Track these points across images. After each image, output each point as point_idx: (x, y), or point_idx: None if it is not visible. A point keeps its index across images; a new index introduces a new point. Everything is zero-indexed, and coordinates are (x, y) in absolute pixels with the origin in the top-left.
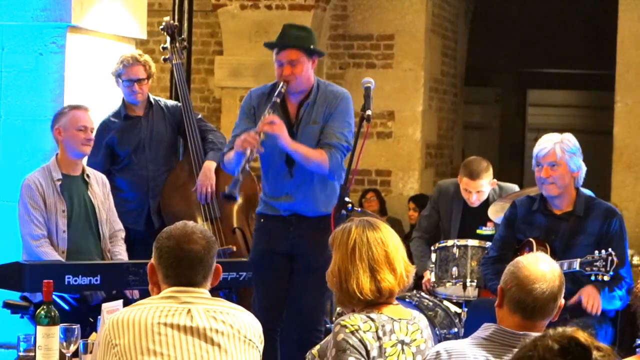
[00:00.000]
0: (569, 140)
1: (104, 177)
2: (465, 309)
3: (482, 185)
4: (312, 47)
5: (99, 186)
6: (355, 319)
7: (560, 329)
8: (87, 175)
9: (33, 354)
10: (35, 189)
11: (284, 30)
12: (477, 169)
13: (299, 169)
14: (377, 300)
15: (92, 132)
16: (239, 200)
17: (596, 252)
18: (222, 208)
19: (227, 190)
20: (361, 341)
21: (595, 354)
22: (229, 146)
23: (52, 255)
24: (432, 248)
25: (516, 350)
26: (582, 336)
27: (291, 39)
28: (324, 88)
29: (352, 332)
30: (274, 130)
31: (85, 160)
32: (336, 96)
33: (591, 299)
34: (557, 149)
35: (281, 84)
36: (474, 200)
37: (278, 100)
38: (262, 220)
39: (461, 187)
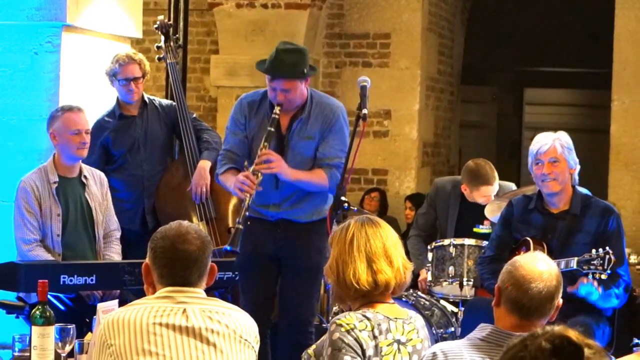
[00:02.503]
0: (565, 137)
1: (102, 174)
2: (462, 308)
3: (497, 185)
4: (305, 71)
5: (97, 186)
6: (351, 318)
7: (548, 328)
8: (85, 177)
9: (28, 354)
10: (31, 192)
11: (278, 56)
12: (491, 174)
13: (287, 182)
14: (374, 292)
15: (87, 134)
16: (233, 200)
17: (593, 250)
18: (217, 208)
19: (228, 246)
20: (357, 340)
21: (586, 351)
22: (222, 163)
23: (44, 258)
24: (429, 247)
25: (504, 349)
26: (573, 334)
27: (285, 69)
28: (318, 100)
29: (347, 331)
30: (272, 171)
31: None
32: (333, 111)
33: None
34: (557, 144)
35: (274, 109)
36: (491, 200)
37: (273, 130)
38: (248, 222)
39: (477, 195)
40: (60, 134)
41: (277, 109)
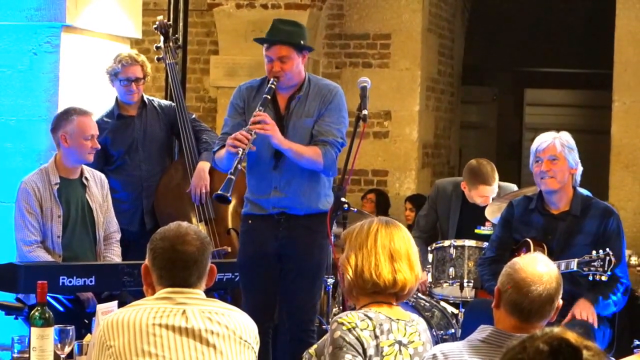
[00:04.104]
0: (566, 136)
1: (102, 176)
2: (462, 310)
3: (496, 187)
4: (302, 42)
5: (98, 187)
6: (353, 317)
7: (548, 329)
8: (86, 178)
9: (27, 355)
10: (32, 194)
11: (274, 25)
12: (491, 174)
13: (287, 162)
14: (388, 290)
15: (97, 139)
16: (233, 201)
17: (594, 252)
18: (217, 209)
19: (219, 192)
20: (358, 339)
21: (585, 353)
22: (219, 144)
23: (44, 259)
24: (429, 248)
25: (504, 351)
26: (572, 336)
27: (281, 35)
28: (315, 82)
29: (349, 330)
30: (266, 131)
31: None
32: (330, 90)
33: (584, 313)
34: (557, 143)
35: (271, 80)
36: (489, 202)
37: (268, 97)
38: (249, 221)
39: (475, 194)
40: (73, 137)
41: (273, 80)
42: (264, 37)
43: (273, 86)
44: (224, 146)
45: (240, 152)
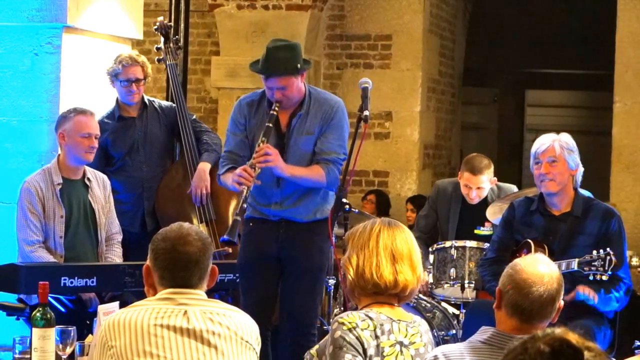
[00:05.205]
0: (566, 138)
1: (105, 178)
2: (464, 311)
3: (482, 182)
4: (299, 66)
5: (100, 188)
6: (354, 317)
7: (549, 330)
8: (88, 179)
9: (29, 356)
10: (34, 194)
11: (269, 55)
12: (479, 165)
13: (288, 180)
14: (389, 291)
15: (96, 139)
16: (233, 202)
17: (594, 251)
18: (217, 210)
19: (226, 236)
20: (358, 339)
21: (586, 354)
22: (223, 164)
23: (46, 260)
24: (430, 249)
25: (505, 352)
26: (573, 337)
27: (277, 66)
28: (316, 96)
29: (349, 330)
30: (268, 165)
31: None
32: (331, 106)
33: (587, 289)
34: (556, 145)
35: (273, 105)
36: (474, 197)
37: (270, 126)
38: (250, 224)
39: (462, 182)
40: (70, 135)
41: (275, 106)
42: (260, 68)
43: (275, 112)
44: (229, 169)
45: (245, 190)
